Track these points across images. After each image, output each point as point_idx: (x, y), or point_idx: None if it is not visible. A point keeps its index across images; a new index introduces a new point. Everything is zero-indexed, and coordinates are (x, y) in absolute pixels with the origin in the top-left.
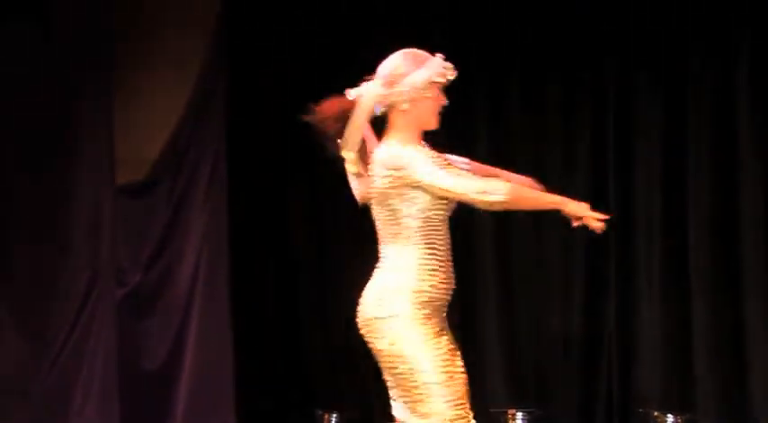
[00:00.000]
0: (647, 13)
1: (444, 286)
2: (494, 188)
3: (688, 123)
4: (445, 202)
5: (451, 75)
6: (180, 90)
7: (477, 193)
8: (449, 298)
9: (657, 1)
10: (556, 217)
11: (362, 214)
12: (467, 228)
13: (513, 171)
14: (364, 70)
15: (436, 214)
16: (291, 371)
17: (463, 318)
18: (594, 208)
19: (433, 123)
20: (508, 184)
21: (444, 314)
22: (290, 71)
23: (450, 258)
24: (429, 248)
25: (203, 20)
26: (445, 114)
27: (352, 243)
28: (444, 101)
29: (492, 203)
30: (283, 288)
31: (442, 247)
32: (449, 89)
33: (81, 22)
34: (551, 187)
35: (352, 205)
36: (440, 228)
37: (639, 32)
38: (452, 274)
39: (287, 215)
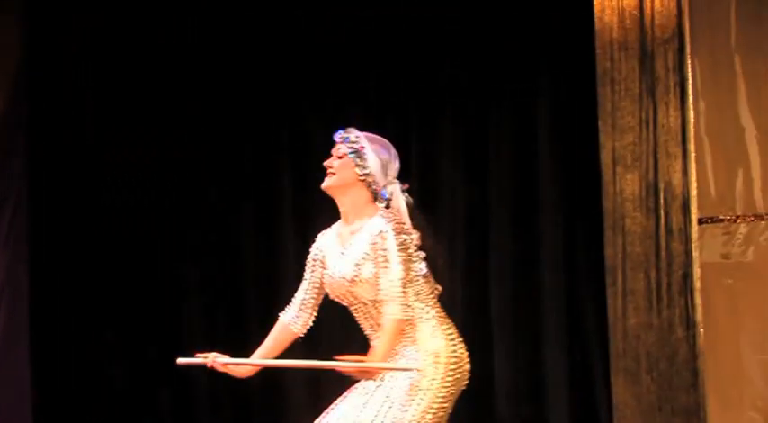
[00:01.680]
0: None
1: None
2: None
3: (490, 173)
4: None
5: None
6: None
7: None
8: None
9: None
10: None
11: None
12: None
13: None
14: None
15: None
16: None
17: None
18: None
19: None
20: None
21: None
22: (92, 114)
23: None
24: None
25: (3, 62)
26: None
27: None
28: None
29: None
30: (84, 338)
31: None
32: None
33: None
34: None
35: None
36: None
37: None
38: None
39: (89, 264)
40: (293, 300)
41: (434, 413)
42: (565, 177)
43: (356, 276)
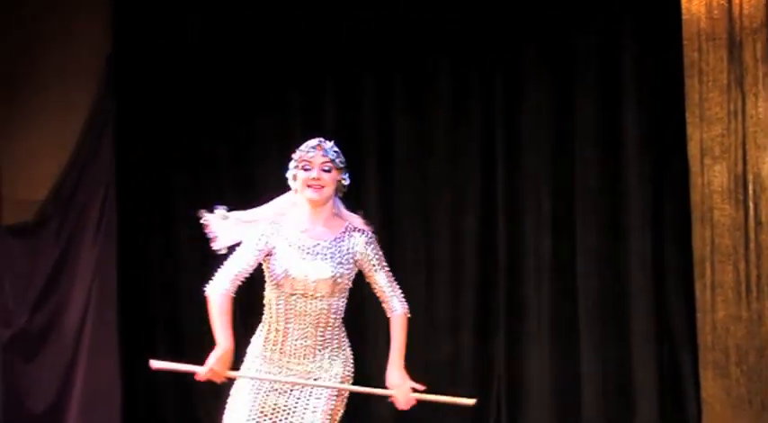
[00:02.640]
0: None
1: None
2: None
3: (575, 168)
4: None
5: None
6: (67, 130)
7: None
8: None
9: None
10: (447, 259)
11: None
12: None
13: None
14: (265, 106)
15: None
16: (179, 412)
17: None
18: (484, 248)
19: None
20: (216, 288)
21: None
22: (177, 111)
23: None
24: None
25: (89, 60)
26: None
27: None
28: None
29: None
30: (173, 327)
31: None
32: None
33: None
34: (441, 231)
35: None
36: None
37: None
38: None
39: (176, 255)
40: (226, 272)
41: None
42: (652, 170)
43: (339, 277)
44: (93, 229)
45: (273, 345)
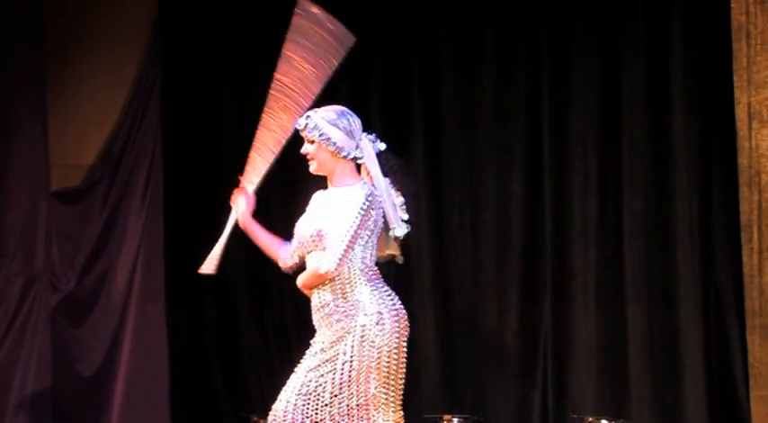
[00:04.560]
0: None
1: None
2: None
3: (622, 132)
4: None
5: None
6: (113, 96)
7: None
8: (314, 315)
9: None
10: (490, 222)
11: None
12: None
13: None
14: None
15: None
16: (227, 376)
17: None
18: (531, 212)
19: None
20: None
21: (324, 326)
22: (223, 77)
23: None
24: None
25: (135, 27)
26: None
27: None
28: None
29: None
30: (220, 292)
31: None
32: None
33: (8, 31)
34: (488, 195)
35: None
36: None
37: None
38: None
39: (222, 220)
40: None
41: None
42: (699, 134)
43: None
44: (140, 195)
45: (312, 309)
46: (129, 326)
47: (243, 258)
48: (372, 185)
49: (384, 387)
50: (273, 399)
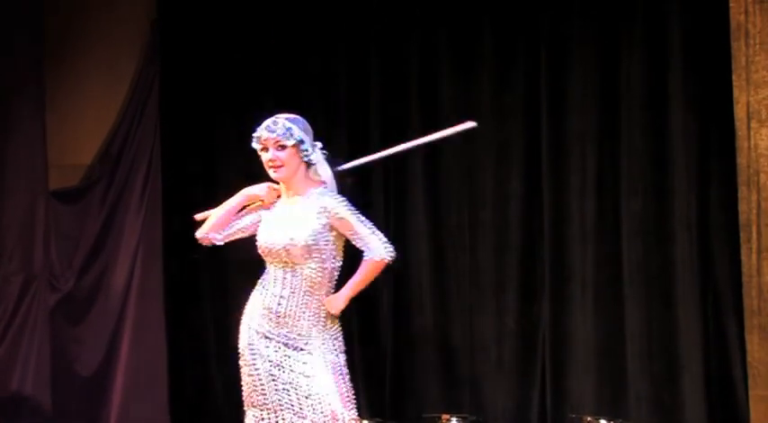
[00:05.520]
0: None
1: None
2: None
3: (621, 131)
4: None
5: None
6: (111, 95)
7: None
8: (266, 315)
9: None
10: (488, 222)
11: None
12: (401, 232)
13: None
14: (311, 72)
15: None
16: (226, 374)
17: (399, 324)
18: (529, 211)
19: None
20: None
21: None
22: (221, 76)
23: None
24: None
25: (134, 26)
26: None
27: None
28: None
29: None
30: (217, 291)
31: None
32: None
33: (7, 31)
34: (485, 194)
35: None
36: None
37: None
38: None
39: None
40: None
41: None
42: (698, 133)
43: (312, 243)
44: (138, 193)
45: (265, 303)
46: (128, 325)
47: (242, 259)
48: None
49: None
50: None
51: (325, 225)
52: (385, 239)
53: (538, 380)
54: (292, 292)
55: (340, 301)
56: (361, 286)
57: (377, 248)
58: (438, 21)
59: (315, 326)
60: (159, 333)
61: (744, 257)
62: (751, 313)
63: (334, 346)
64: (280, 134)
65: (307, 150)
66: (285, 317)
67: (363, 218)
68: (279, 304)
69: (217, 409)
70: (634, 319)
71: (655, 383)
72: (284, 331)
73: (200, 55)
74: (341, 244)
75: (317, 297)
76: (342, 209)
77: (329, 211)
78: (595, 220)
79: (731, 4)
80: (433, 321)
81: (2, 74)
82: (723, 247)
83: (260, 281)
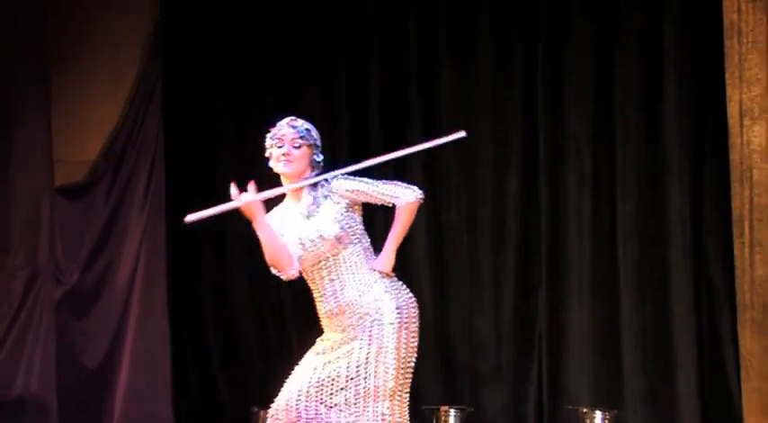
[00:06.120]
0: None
1: (323, 311)
2: None
3: (616, 129)
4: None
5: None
6: (115, 94)
7: None
8: (331, 320)
9: None
10: (486, 219)
11: None
12: None
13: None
14: (311, 71)
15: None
16: (227, 366)
17: None
18: (526, 209)
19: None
20: None
21: (340, 330)
22: (223, 76)
23: (324, 291)
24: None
25: (138, 26)
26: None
27: None
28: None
29: None
30: (220, 287)
31: (315, 285)
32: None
33: (12, 30)
34: (484, 190)
35: None
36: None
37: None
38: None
39: (223, 216)
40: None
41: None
42: (692, 131)
43: (341, 231)
44: (142, 189)
45: (325, 315)
46: (132, 318)
47: (243, 255)
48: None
49: (395, 374)
50: (274, 389)
51: (345, 206)
52: (406, 184)
53: (535, 374)
54: (341, 282)
55: (388, 257)
56: (402, 235)
57: (404, 194)
58: (437, 22)
59: (382, 295)
60: (162, 325)
61: (737, 252)
62: (744, 307)
63: (400, 313)
64: (300, 132)
65: (317, 155)
66: (346, 306)
67: (371, 179)
68: (336, 301)
69: (219, 399)
70: (629, 314)
71: (650, 377)
72: (354, 321)
73: (201, 55)
74: (360, 218)
75: (365, 271)
76: (348, 183)
77: (340, 192)
78: (591, 218)
79: (724, 3)
80: (432, 316)
81: (9, 73)
82: (716, 242)
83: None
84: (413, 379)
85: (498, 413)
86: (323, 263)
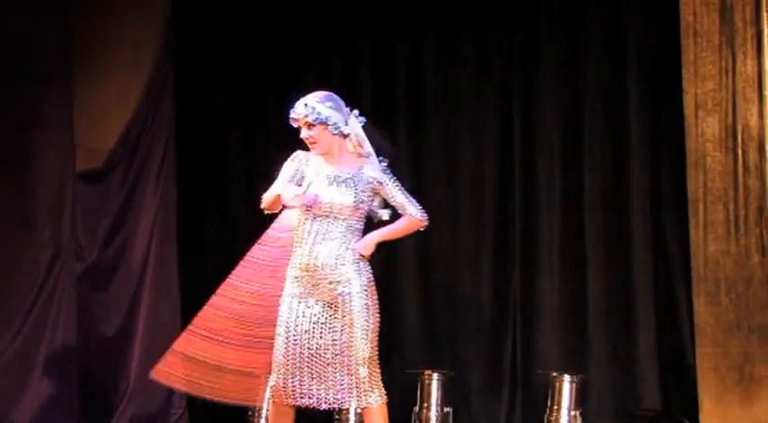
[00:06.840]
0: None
1: (296, 263)
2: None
3: (583, 119)
4: None
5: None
6: (132, 87)
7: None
8: (301, 272)
9: None
10: (467, 198)
11: None
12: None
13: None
14: (308, 64)
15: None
16: None
17: (386, 290)
18: (503, 190)
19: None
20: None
21: (310, 286)
22: (233, 67)
23: (306, 244)
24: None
25: (152, 24)
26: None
27: None
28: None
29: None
30: (227, 262)
31: (302, 236)
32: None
33: (36, 26)
34: (464, 174)
35: None
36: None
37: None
38: (306, 258)
39: (230, 199)
40: (271, 191)
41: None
42: (652, 121)
43: (360, 202)
44: (155, 175)
45: (301, 263)
46: (146, 290)
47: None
48: (368, 157)
49: (369, 344)
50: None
51: (369, 190)
52: (420, 207)
53: (509, 338)
54: (332, 241)
55: (371, 243)
56: (391, 237)
57: (415, 212)
58: (423, 25)
59: (354, 270)
60: (174, 297)
61: (692, 230)
62: (698, 279)
63: (367, 290)
64: (305, 114)
65: (336, 125)
66: (323, 268)
67: (402, 188)
68: (315, 258)
69: None
70: (595, 283)
71: (612, 340)
72: (323, 284)
73: (211, 48)
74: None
75: (351, 243)
76: (386, 179)
77: (376, 181)
78: (560, 196)
79: (681, 7)
80: (417, 287)
81: (33, 68)
82: (674, 221)
83: (294, 244)
84: (398, 346)
85: (476, 376)
86: (323, 220)
